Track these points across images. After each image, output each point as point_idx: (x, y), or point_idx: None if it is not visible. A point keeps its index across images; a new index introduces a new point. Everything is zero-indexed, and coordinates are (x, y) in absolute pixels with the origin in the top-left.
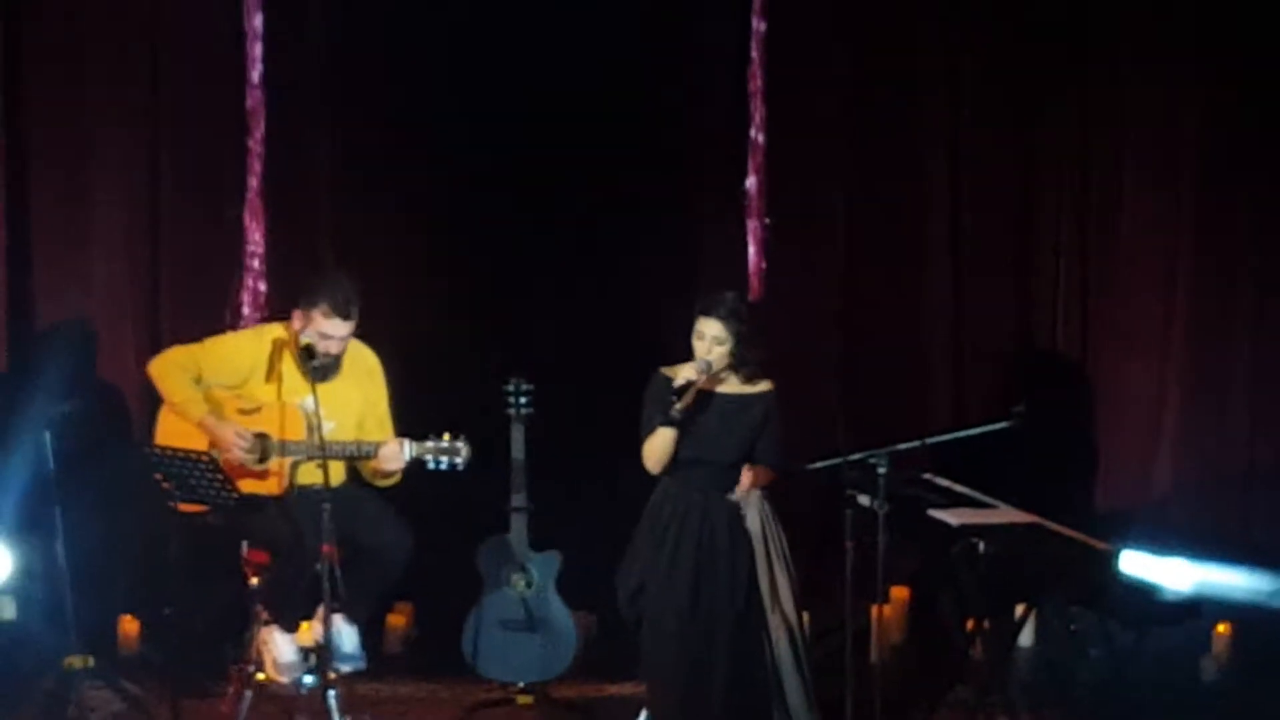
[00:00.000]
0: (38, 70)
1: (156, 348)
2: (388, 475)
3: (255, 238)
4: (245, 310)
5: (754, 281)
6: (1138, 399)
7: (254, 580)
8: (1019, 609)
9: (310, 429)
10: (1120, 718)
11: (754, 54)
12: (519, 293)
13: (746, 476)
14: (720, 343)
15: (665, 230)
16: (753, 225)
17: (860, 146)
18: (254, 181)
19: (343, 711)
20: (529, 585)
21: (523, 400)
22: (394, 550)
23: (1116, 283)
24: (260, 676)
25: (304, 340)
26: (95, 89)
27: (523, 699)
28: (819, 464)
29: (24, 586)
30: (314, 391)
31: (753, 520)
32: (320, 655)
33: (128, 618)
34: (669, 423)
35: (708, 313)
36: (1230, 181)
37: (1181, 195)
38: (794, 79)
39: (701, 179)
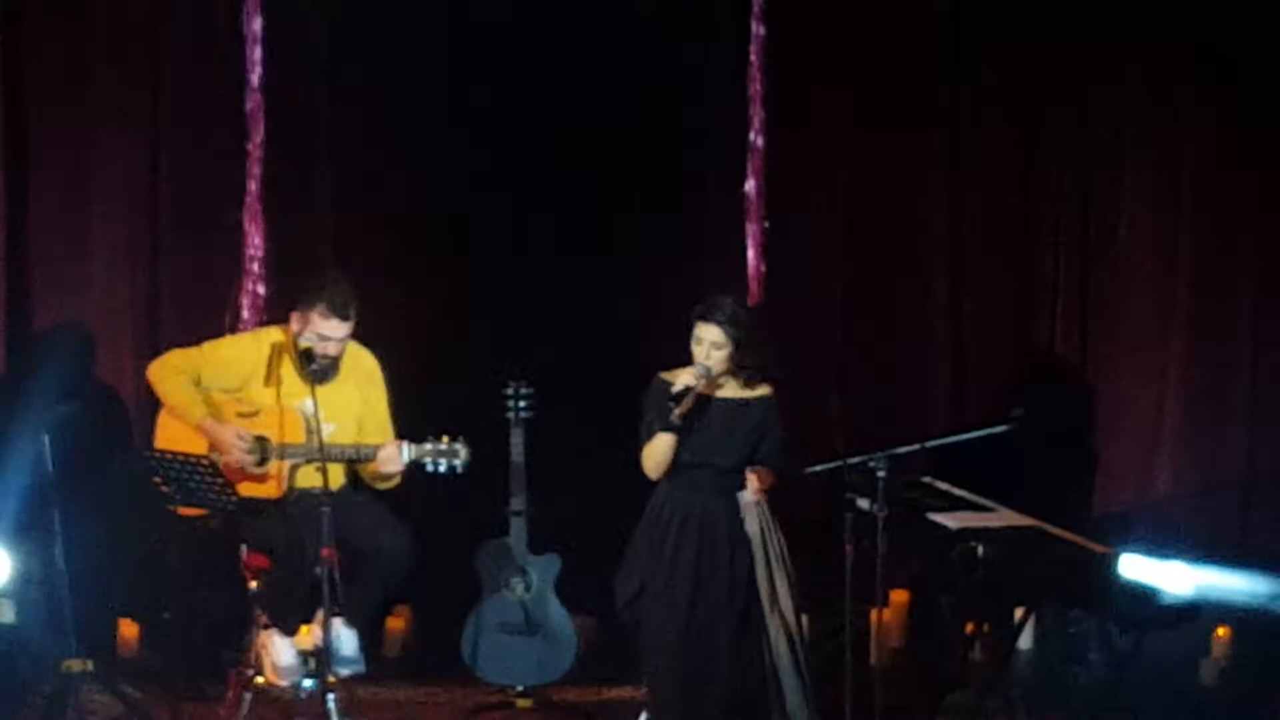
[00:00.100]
0: (38, 72)
1: (155, 351)
2: (387, 478)
3: (255, 241)
4: (244, 313)
5: (753, 285)
6: (1137, 401)
7: (253, 584)
8: (1018, 612)
9: (309, 432)
10: None
11: (753, 58)
12: (518, 296)
13: (754, 481)
14: (719, 347)
15: (664, 233)
16: (752, 229)
17: (860, 148)
18: (253, 185)
19: (342, 715)
20: (528, 588)
21: (522, 403)
22: (393, 553)
23: (1116, 284)
24: (259, 680)
25: (303, 343)
26: (95, 91)
27: (522, 702)
28: (818, 467)
29: (23, 590)
30: (313, 394)
31: (752, 524)
32: (319, 659)
33: (127, 621)
34: (668, 428)
35: (706, 318)
36: (1230, 182)
37: (1181, 196)
38: (793, 82)
39: (700, 182)
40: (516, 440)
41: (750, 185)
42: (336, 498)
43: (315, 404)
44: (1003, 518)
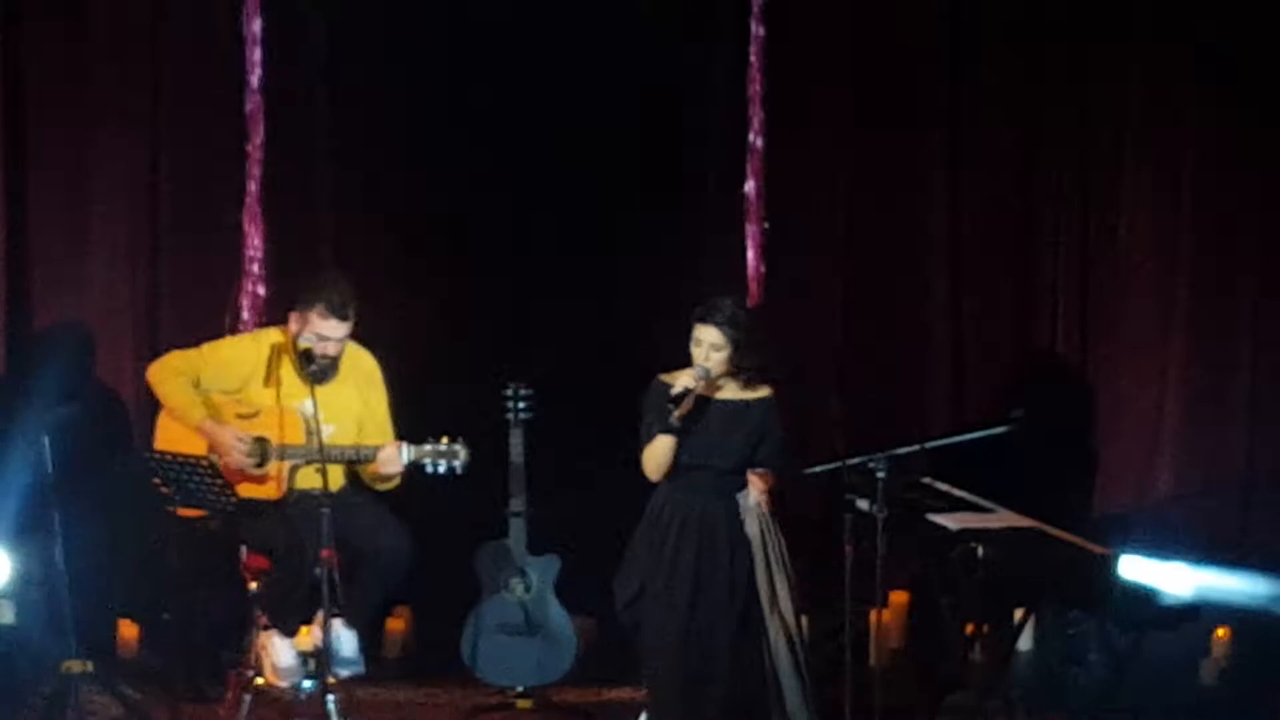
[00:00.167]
0: (38, 72)
1: (155, 352)
2: (387, 479)
3: (254, 242)
4: (244, 314)
5: (753, 286)
6: (1137, 401)
7: (253, 585)
8: (1018, 613)
9: (309, 433)
10: None
11: (753, 58)
12: (518, 296)
13: (758, 484)
14: (718, 349)
15: (664, 233)
16: (751, 230)
17: (860, 148)
18: (253, 186)
19: (341, 716)
20: (528, 589)
21: (521, 404)
22: (393, 554)
23: (1116, 284)
24: (259, 681)
25: (302, 343)
26: (95, 91)
27: (522, 703)
28: (818, 468)
29: (22, 591)
30: (313, 395)
31: (751, 525)
32: (319, 660)
33: (127, 622)
34: (668, 430)
35: (705, 320)
36: (1230, 182)
37: (1181, 196)
38: (793, 83)
39: (700, 182)
40: (516, 441)
41: (750, 185)
42: (336, 499)
43: (315, 405)
44: (1002, 519)
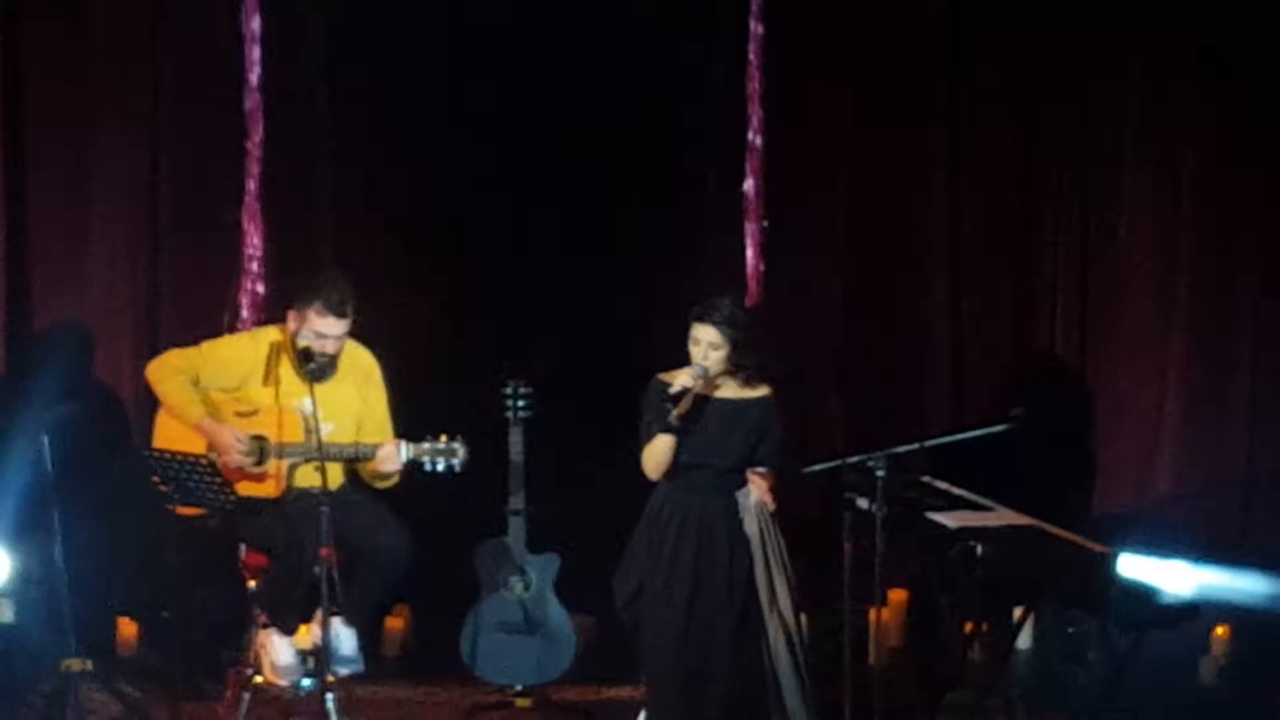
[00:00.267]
0: (38, 72)
1: (155, 351)
2: (386, 477)
3: (254, 240)
4: (244, 313)
5: (752, 285)
6: (1137, 401)
7: (252, 583)
8: (1017, 612)
9: (308, 431)
10: None
11: (751, 57)
12: (518, 296)
13: (760, 484)
14: (716, 348)
15: (664, 233)
16: (751, 228)
17: (859, 148)
18: (252, 184)
19: (341, 714)
20: (527, 588)
21: (521, 402)
22: (392, 553)
23: (1116, 284)
24: (258, 679)
25: (300, 341)
26: (95, 91)
27: (521, 702)
28: (817, 467)
29: (22, 590)
30: (312, 393)
31: (751, 524)
32: (318, 658)
33: (126, 621)
34: (667, 429)
35: (702, 319)
36: (1230, 182)
37: (1181, 196)
38: (792, 82)
39: (700, 182)
40: (515, 439)
41: (749, 184)
42: (335, 497)
43: (314, 403)
44: (1002, 517)
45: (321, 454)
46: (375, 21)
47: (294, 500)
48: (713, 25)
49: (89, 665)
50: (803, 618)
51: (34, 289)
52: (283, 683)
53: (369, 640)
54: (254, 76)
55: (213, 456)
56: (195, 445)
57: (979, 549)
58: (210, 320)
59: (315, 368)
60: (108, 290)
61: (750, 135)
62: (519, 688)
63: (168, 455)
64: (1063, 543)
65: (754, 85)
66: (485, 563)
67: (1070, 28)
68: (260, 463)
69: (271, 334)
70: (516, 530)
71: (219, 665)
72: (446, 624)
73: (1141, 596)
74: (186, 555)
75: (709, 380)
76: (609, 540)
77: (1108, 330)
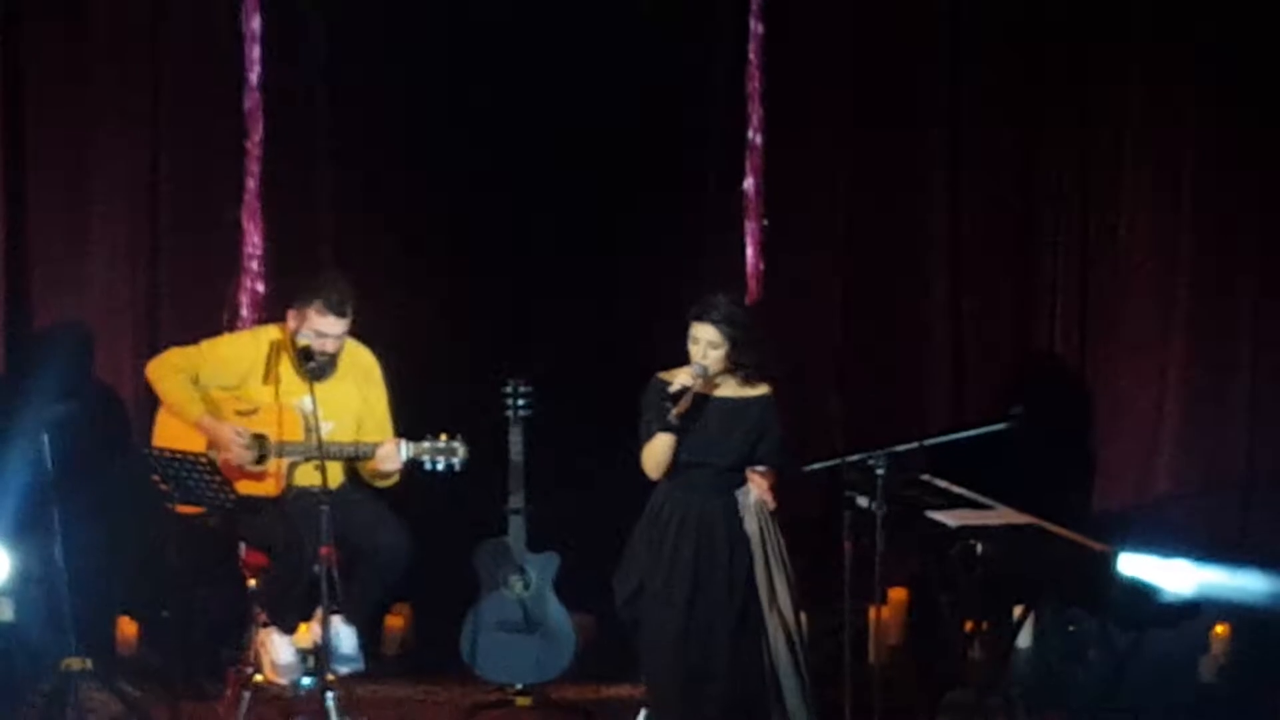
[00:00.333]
0: (38, 72)
1: (155, 351)
2: (386, 476)
3: (253, 239)
4: (243, 311)
5: (752, 284)
6: (1137, 401)
7: (252, 582)
8: (1017, 610)
9: (308, 430)
10: (1119, 719)
11: (751, 56)
12: (518, 296)
13: (760, 484)
14: (715, 347)
15: (664, 233)
16: (751, 227)
17: (859, 148)
18: (251, 183)
19: (341, 713)
20: (527, 586)
21: (521, 401)
22: (392, 551)
23: (1116, 284)
24: (258, 678)
25: (300, 340)
26: (95, 91)
27: (521, 700)
28: (817, 465)
29: (22, 589)
30: (311, 392)
31: (750, 523)
32: (318, 657)
33: (126, 620)
34: (666, 428)
35: (701, 317)
36: (1230, 182)
37: (1181, 196)
38: (792, 81)
39: (700, 182)
40: (515, 438)
41: (749, 183)
42: (335, 496)
43: (314, 402)
44: (1002, 515)
45: (321, 453)
46: (375, 21)
47: (294, 499)
48: (713, 25)
49: (89, 664)
50: (803, 616)
51: (34, 289)
52: (283, 681)
53: (369, 639)
54: (254, 76)
55: (213, 455)
56: (195, 444)
57: (979, 548)
58: (210, 320)
59: (315, 367)
60: (108, 290)
61: (750, 134)
62: (519, 686)
63: (168, 454)
64: (1063, 541)
65: (754, 84)
66: (485, 562)
67: (1070, 28)
68: (260, 461)
69: (271, 333)
70: (516, 529)
71: (219, 664)
72: (446, 623)
73: (1141, 595)
74: (186, 554)
75: (708, 379)
76: (609, 539)
77: (1108, 330)
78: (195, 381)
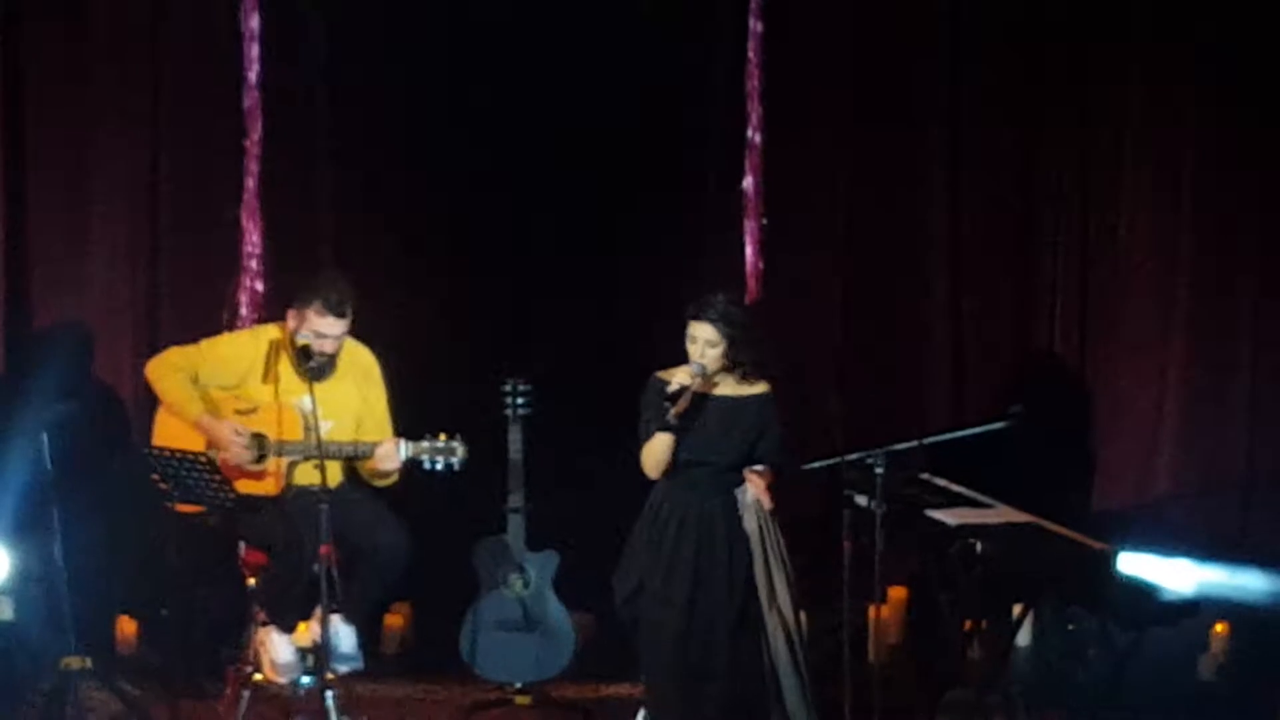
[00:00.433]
0: (38, 72)
1: (154, 350)
2: (385, 475)
3: (253, 238)
4: (243, 311)
5: (751, 282)
6: (1137, 401)
7: (251, 581)
8: (1017, 609)
9: (307, 429)
10: (1118, 718)
11: (751, 55)
12: (518, 296)
13: (758, 483)
14: (713, 345)
15: (664, 233)
16: (750, 226)
17: (859, 147)
18: (251, 182)
19: (340, 712)
20: (526, 585)
21: (520, 400)
22: (391, 550)
23: (1116, 284)
24: (258, 677)
25: (300, 340)
26: (95, 91)
27: (520, 699)
28: (817, 464)
29: (22, 588)
30: (311, 391)
31: (750, 521)
32: (318, 656)
33: (125, 619)
34: (665, 428)
35: (698, 316)
36: (1230, 182)
37: (1181, 196)
38: (792, 80)
39: (700, 182)
40: (515, 437)
41: (748, 182)
42: (334, 495)
43: (313, 401)
44: (1001, 514)
45: (321, 452)
46: (375, 21)
47: (293, 498)
48: (712, 24)
49: (88, 663)
50: (802, 615)
51: (34, 289)
52: (282, 680)
53: (368, 638)
54: (253, 75)
55: (212, 454)
56: (195, 443)
57: (979, 546)
58: (210, 319)
59: (314, 366)
60: (108, 290)
61: (750, 134)
62: (518, 685)
63: (167, 453)
64: (1062, 540)
65: (754, 83)
66: (484, 560)
67: (1070, 28)
68: (260, 460)
69: (271, 332)
70: (516, 528)
71: (219, 663)
72: (446, 622)
73: (1141, 594)
74: (186, 553)
75: (707, 378)
76: (608, 538)
77: (1108, 330)
78: (195, 381)
